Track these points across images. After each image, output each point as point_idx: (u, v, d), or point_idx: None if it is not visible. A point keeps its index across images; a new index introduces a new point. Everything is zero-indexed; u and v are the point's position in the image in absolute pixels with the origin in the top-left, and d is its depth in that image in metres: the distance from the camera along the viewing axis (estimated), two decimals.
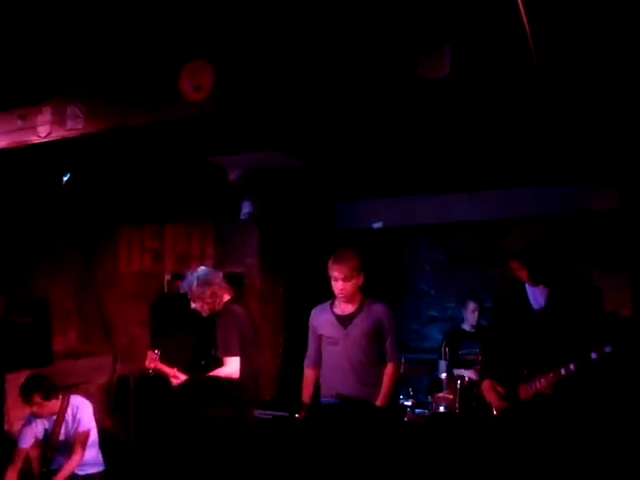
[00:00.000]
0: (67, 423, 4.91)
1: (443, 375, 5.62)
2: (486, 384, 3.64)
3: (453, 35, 3.25)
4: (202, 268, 4.81)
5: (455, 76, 3.24)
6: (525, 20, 2.70)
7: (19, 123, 4.41)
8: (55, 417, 4.89)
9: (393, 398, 4.55)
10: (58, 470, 4.82)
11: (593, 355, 3.17)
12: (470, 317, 6.31)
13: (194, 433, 4.50)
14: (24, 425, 4.93)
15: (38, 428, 4.90)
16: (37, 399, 4.79)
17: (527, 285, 3.52)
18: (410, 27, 3.34)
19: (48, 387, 4.86)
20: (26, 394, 4.82)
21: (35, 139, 4.30)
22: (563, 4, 2.94)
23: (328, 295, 4.55)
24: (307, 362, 4.63)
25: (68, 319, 6.61)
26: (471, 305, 6.32)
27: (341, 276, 4.33)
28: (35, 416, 4.88)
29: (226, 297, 4.71)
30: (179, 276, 6.24)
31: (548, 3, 2.87)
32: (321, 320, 4.54)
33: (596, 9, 2.99)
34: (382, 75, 3.48)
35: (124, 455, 5.71)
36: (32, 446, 4.90)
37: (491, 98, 3.76)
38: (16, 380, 5.10)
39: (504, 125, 4.57)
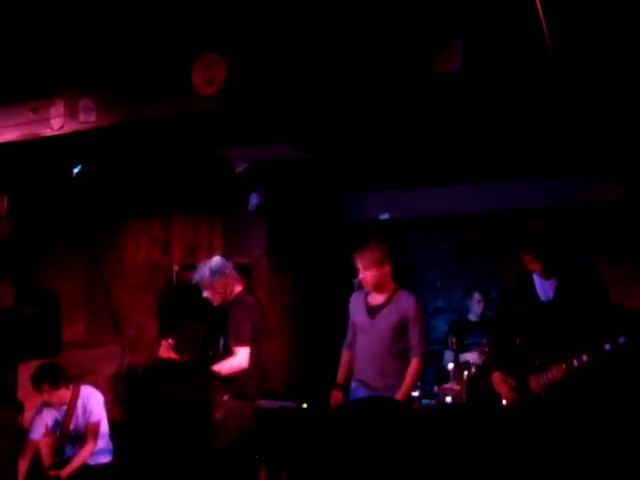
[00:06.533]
0: (78, 414, 4.95)
1: (450, 366, 5.66)
2: (496, 376, 3.67)
3: (466, 28, 3.27)
4: (215, 258, 4.86)
5: (467, 70, 3.25)
6: (541, 14, 2.71)
7: (31, 116, 4.42)
8: (66, 407, 4.94)
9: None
10: (69, 460, 4.89)
11: (607, 346, 3.20)
12: (475, 307, 6.37)
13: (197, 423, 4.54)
14: (34, 415, 4.98)
15: (49, 418, 4.95)
16: (46, 388, 4.85)
17: (536, 277, 3.56)
18: (422, 20, 3.35)
19: (56, 376, 4.92)
20: (36, 383, 4.88)
21: (48, 132, 4.29)
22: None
23: (335, 285, 4.60)
24: (344, 344, 4.74)
25: (76, 310, 6.64)
26: (476, 295, 6.38)
27: (360, 266, 4.43)
28: (46, 405, 4.93)
29: (238, 288, 4.75)
30: (188, 267, 6.28)
31: None
32: (355, 307, 4.64)
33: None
34: (394, 69, 3.49)
35: (132, 446, 5.75)
36: (43, 436, 4.95)
37: (502, 91, 3.77)
38: (27, 370, 5.14)
39: (513, 118, 4.59)
